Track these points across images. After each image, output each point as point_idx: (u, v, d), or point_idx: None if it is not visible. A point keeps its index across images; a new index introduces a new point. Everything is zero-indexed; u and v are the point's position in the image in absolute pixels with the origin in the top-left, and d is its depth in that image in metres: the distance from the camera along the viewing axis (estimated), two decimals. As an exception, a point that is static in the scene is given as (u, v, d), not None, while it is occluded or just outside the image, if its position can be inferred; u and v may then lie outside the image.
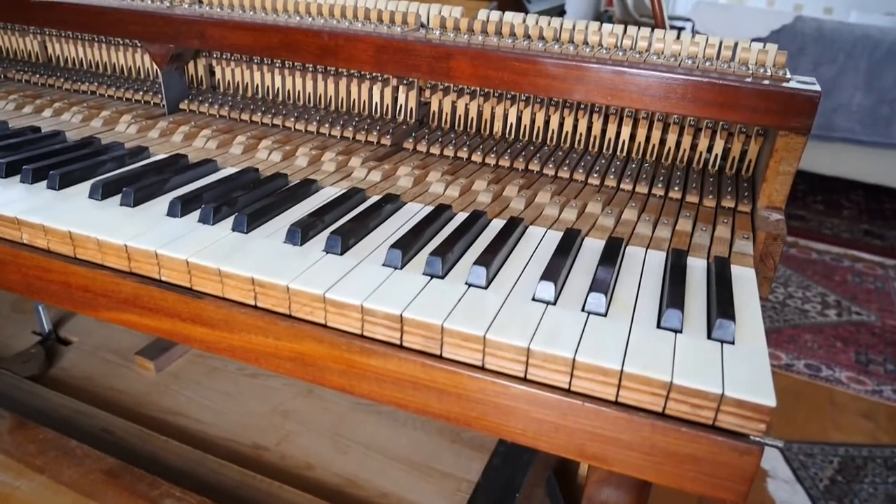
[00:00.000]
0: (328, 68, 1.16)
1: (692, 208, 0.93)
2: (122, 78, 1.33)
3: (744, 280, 0.74)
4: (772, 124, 0.85)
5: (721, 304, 0.66)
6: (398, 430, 1.24)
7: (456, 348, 0.63)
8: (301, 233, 0.76)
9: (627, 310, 0.67)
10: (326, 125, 1.13)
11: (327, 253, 0.74)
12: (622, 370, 0.58)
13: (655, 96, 0.87)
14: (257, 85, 1.24)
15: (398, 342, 0.65)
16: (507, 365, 0.62)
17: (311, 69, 1.18)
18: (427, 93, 1.13)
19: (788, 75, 0.88)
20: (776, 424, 1.64)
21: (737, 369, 0.58)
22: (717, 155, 1.02)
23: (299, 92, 1.22)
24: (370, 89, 1.17)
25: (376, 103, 1.17)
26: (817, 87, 0.84)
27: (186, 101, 1.22)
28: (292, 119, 1.15)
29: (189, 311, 0.73)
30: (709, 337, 0.63)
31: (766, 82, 0.85)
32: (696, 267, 0.77)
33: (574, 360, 0.59)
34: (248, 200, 0.86)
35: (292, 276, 0.69)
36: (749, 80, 0.86)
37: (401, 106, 1.16)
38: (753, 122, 0.87)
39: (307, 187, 0.91)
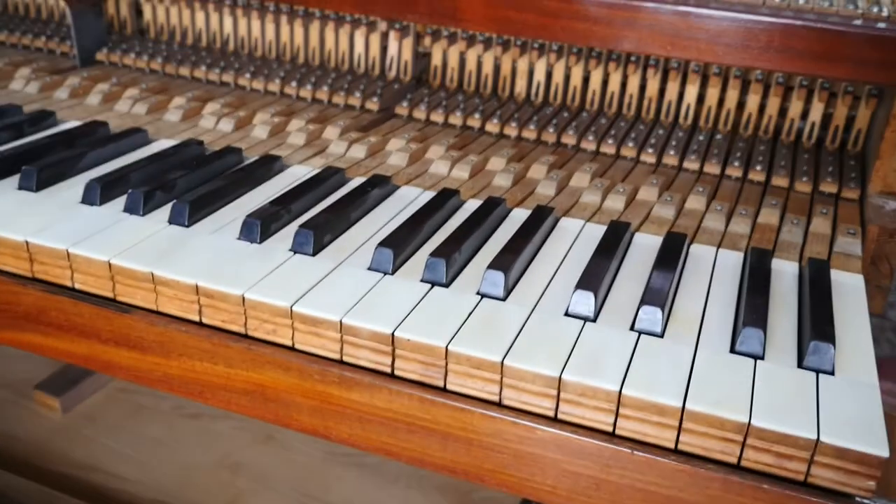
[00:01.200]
0: (295, 8, 1.18)
1: (780, 194, 0.94)
2: (16, 18, 1.35)
3: (849, 290, 0.75)
4: (888, 81, 0.87)
5: (817, 322, 0.67)
6: (387, 488, 1.26)
7: (465, 378, 0.64)
8: (260, 226, 0.77)
9: (691, 329, 0.68)
10: (293, 84, 1.15)
11: (295, 253, 0.76)
12: (684, 408, 0.59)
13: (731, 45, 0.88)
14: (200, 29, 1.26)
15: (389, 370, 0.67)
16: (533, 400, 0.63)
17: (272, 8, 1.20)
18: (427, 41, 1.15)
19: (910, 16, 0.90)
20: (897, 486, 1.65)
21: (837, 408, 0.60)
22: (814, 123, 1.04)
23: (257, 39, 1.23)
24: (351, 36, 1.19)
25: (360, 55, 1.19)
26: (948, 32, 0.85)
27: (105, 51, 1.24)
28: (248, 75, 1.17)
29: (111, 329, 0.74)
30: (800, 365, 0.64)
31: (882, 25, 0.86)
32: (785, 272, 0.78)
33: (620, 394, 0.60)
34: (189, 183, 0.87)
35: (249, 283, 0.70)
36: (858, 21, 0.87)
37: (392, 59, 1.18)
38: (863, 79, 0.89)
39: (268, 166, 0.92)
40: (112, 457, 1.31)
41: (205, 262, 0.73)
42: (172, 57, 1.22)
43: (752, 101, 1.05)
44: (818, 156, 1.02)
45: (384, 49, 1.19)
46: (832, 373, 0.63)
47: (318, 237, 0.76)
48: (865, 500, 0.58)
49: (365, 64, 1.20)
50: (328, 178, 0.90)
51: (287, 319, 0.68)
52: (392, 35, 1.17)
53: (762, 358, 0.65)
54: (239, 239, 0.77)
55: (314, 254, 0.75)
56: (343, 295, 0.69)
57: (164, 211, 0.82)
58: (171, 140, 1.00)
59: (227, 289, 0.69)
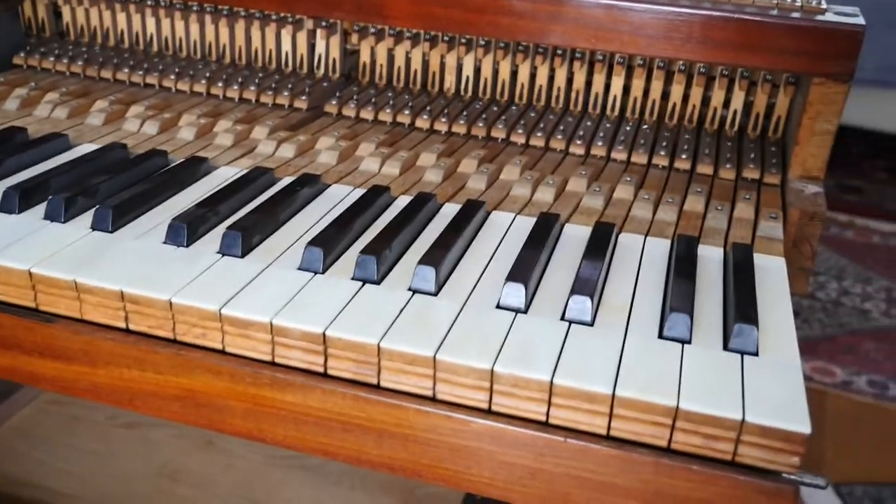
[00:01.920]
0: (220, 7, 1.17)
1: (704, 181, 0.96)
2: (-69, 23, 1.31)
3: (771, 272, 0.77)
4: (804, 70, 0.89)
5: (741, 305, 0.69)
6: (330, 489, 1.25)
7: (398, 375, 0.65)
8: (187, 229, 0.77)
9: (620, 316, 0.69)
10: (220, 84, 1.13)
11: (223, 255, 0.75)
12: (614, 394, 0.60)
13: (654, 36, 0.90)
14: (122, 30, 1.24)
15: (321, 370, 0.67)
16: (466, 394, 0.64)
17: (195, 8, 1.18)
18: (355, 38, 1.15)
19: (824, 5, 0.93)
20: (830, 460, 1.70)
21: (761, 388, 0.61)
22: (735, 111, 1.06)
23: (181, 39, 1.21)
24: (278, 34, 1.18)
25: (287, 53, 1.18)
26: (860, 20, 0.88)
27: (23, 55, 1.20)
28: (172, 76, 1.15)
29: (35, 339, 0.73)
30: (725, 347, 0.66)
31: (796, 14, 0.89)
32: (710, 258, 0.80)
33: (552, 383, 0.61)
34: (113, 188, 0.86)
35: (176, 287, 0.69)
36: (774, 11, 0.89)
37: (320, 56, 1.17)
38: (781, 68, 0.91)
39: (195, 168, 0.91)
40: (47, 471, 1.28)
41: (130, 268, 0.72)
42: (94, 59, 1.19)
43: (676, 92, 1.07)
44: (741, 143, 1.04)
45: (312, 47, 1.18)
46: (756, 354, 0.65)
47: (246, 238, 0.76)
48: (791, 476, 0.60)
49: (292, 62, 1.19)
50: (257, 178, 0.89)
51: (216, 323, 0.67)
52: (319, 33, 1.16)
53: (689, 342, 0.66)
54: (165, 243, 0.77)
55: (243, 255, 0.75)
56: (273, 296, 0.69)
57: (87, 217, 0.80)
58: (93, 144, 0.98)
59: (154, 294, 0.68)
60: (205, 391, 0.69)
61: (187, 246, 0.76)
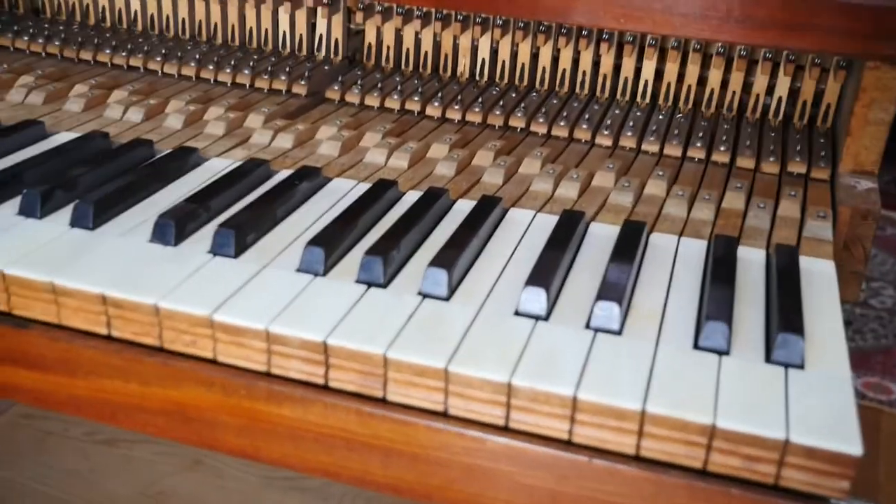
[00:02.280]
0: (210, -19, 1.18)
1: (745, 176, 0.96)
2: None
3: (819, 277, 0.78)
4: (857, 52, 0.89)
5: (785, 313, 0.69)
6: (331, 515, 1.26)
7: (407, 388, 0.65)
8: (175, 227, 0.77)
9: (651, 325, 0.69)
10: (210, 67, 1.14)
11: (215, 255, 0.75)
12: (644, 410, 0.60)
13: (688, 15, 0.90)
14: (104, 7, 1.25)
15: (322, 382, 0.67)
16: (481, 409, 0.64)
17: (184, -18, 1.19)
18: (359, 17, 1.15)
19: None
20: (884, 485, 1.70)
21: (807, 404, 0.61)
22: (780, 99, 1.06)
23: (168, 17, 1.22)
24: (275, 13, 1.18)
25: (284, 33, 1.19)
26: (918, -3, 0.88)
27: (-4, 34, 1.21)
28: (158, 58, 1.16)
29: (8, 346, 0.73)
30: (767, 360, 0.66)
31: (848, -9, 0.89)
32: (751, 260, 0.80)
33: (575, 398, 0.61)
34: (93, 181, 0.86)
35: (164, 290, 0.70)
36: (823, -13, 0.90)
37: (321, 37, 1.18)
38: (831, 50, 0.91)
39: (183, 160, 0.92)
40: (19, 493, 1.28)
41: (113, 269, 0.72)
42: (72, 39, 1.20)
43: (714, 77, 1.07)
44: (786, 134, 1.04)
45: (312, 26, 1.19)
46: (802, 367, 0.65)
47: (240, 237, 0.76)
48: (840, 502, 0.60)
49: (291, 43, 1.20)
50: (251, 171, 0.89)
51: (207, 329, 0.68)
52: (320, 11, 1.17)
53: (727, 353, 0.66)
54: (151, 241, 0.77)
55: (236, 255, 0.75)
56: (269, 300, 0.69)
57: (66, 213, 0.81)
58: (71, 133, 0.99)
59: (139, 297, 0.69)
60: (194, 404, 0.69)
61: (175, 245, 0.77)
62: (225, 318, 0.67)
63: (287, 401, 0.67)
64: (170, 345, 0.70)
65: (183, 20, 1.22)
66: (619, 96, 1.10)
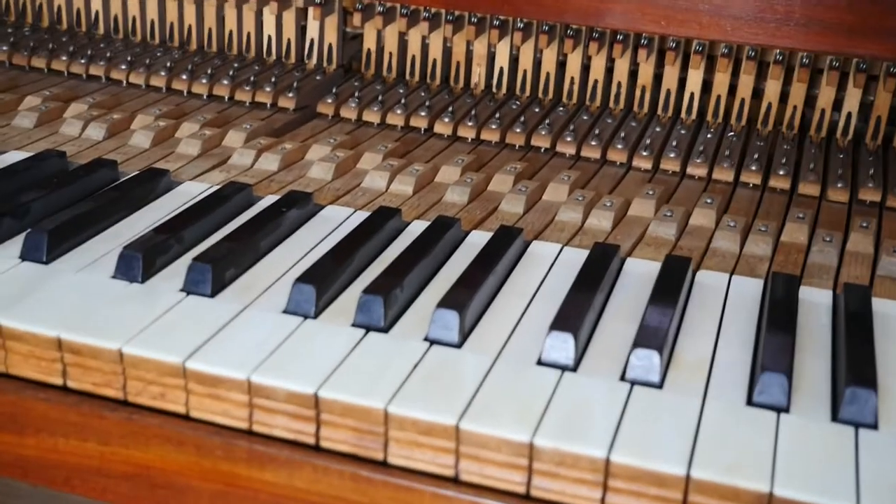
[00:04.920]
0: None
1: (808, 205, 0.96)
2: None
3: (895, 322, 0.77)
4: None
5: (854, 365, 0.69)
6: None
7: (411, 448, 0.65)
8: (142, 260, 0.77)
9: (698, 377, 0.69)
10: (184, 76, 1.15)
11: (189, 293, 0.76)
12: (689, 476, 0.60)
13: (741, 18, 0.91)
14: (59, 7, 1.26)
15: (313, 441, 0.67)
16: (498, 474, 0.63)
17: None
18: (357, 19, 1.16)
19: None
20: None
21: (881, 470, 0.61)
22: (850, 114, 1.06)
23: (135, 19, 1.24)
24: (259, 14, 1.19)
25: (270, 37, 1.19)
26: None
27: (-63, 39, 1.22)
28: (123, 67, 1.18)
29: (-53, 400, 0.73)
30: (834, 418, 0.66)
31: (926, -10, 0.90)
32: (815, 303, 0.80)
33: (608, 461, 0.61)
34: (48, 207, 0.87)
35: (128, 333, 0.70)
36: (897, -14, 0.90)
37: (312, 42, 1.19)
38: (908, 58, 0.91)
39: (152, 184, 0.92)
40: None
41: (70, 309, 0.73)
42: (22, 44, 1.21)
43: (772, 89, 1.08)
44: (856, 155, 1.05)
45: (302, 30, 1.20)
46: (875, 426, 0.65)
47: (217, 273, 0.76)
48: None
49: (277, 50, 1.21)
50: (231, 196, 0.90)
51: (179, 379, 0.68)
52: (311, 12, 1.18)
53: (787, 410, 0.66)
54: (115, 277, 0.77)
55: (213, 294, 0.76)
56: (251, 346, 0.69)
57: (16, 244, 0.81)
58: (22, 152, 0.99)
59: (100, 342, 0.69)
60: (163, 467, 0.69)
61: (142, 282, 0.77)
62: (200, 366, 0.67)
63: (271, 463, 0.67)
64: (135, 397, 0.70)
65: (152, 22, 1.24)
66: (659, 111, 1.11)
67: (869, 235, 0.89)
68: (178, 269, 0.78)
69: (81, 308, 0.73)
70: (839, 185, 0.98)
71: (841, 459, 0.62)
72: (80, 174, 0.92)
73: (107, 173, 0.94)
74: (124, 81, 1.17)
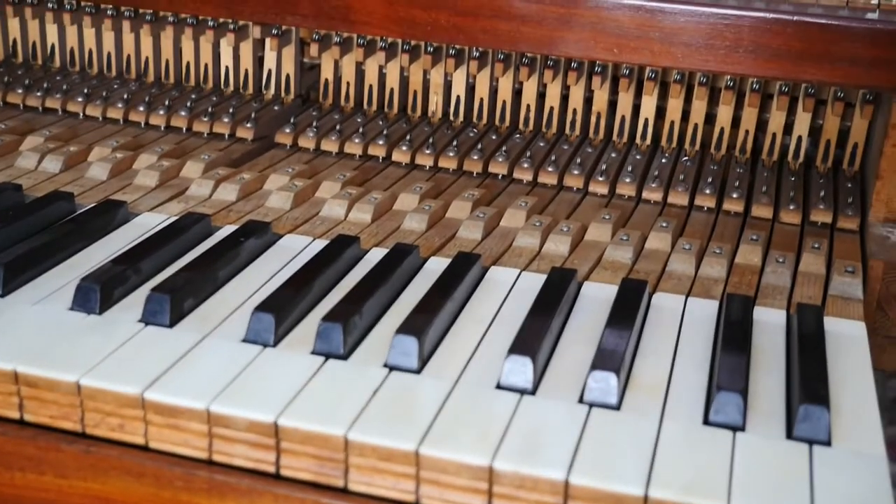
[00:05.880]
0: (141, 11, 1.18)
1: (761, 227, 0.99)
2: None
3: (848, 341, 0.80)
4: (885, 84, 0.91)
5: (808, 383, 0.70)
6: None
7: (371, 475, 0.65)
8: (100, 292, 0.78)
9: (655, 398, 0.71)
10: (141, 108, 1.16)
11: (147, 324, 0.76)
12: (647, 496, 0.61)
13: (691, 45, 0.93)
14: (15, 39, 1.26)
15: (273, 470, 0.67)
16: (459, 498, 0.64)
17: (110, 12, 1.20)
18: (314, 49, 1.17)
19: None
20: None
21: (835, 486, 0.62)
22: (800, 138, 1.09)
23: (91, 51, 1.23)
24: (216, 45, 1.20)
25: (227, 69, 1.20)
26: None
27: None
28: (80, 98, 1.18)
29: None
30: (789, 436, 0.67)
31: (873, 15, 0.92)
32: (769, 323, 0.82)
33: (567, 483, 0.62)
34: (3, 240, 0.87)
35: (86, 365, 0.70)
36: (844, 12, 0.92)
37: (270, 73, 1.19)
38: (855, 83, 0.93)
39: (109, 215, 0.93)
40: None
41: (26, 342, 0.73)
42: (-22, 78, 1.21)
43: (724, 114, 1.10)
44: (807, 178, 1.08)
45: (259, 61, 1.21)
46: (828, 443, 0.67)
47: (175, 303, 0.77)
48: None
49: (235, 81, 1.21)
50: (189, 227, 0.91)
51: (138, 410, 0.69)
52: (268, 43, 1.19)
53: (742, 429, 0.68)
54: (72, 309, 0.78)
55: (171, 325, 0.77)
56: (211, 376, 0.70)
57: (-29, 278, 0.81)
58: (-24, 185, 0.99)
59: (57, 374, 0.69)
60: (122, 499, 0.69)
61: (100, 313, 0.78)
62: (159, 396, 0.68)
63: (231, 493, 0.67)
64: (93, 429, 0.70)
65: (108, 55, 1.24)
66: (615, 137, 1.14)
67: (821, 256, 0.91)
68: (136, 300, 0.79)
69: (38, 341, 0.73)
70: (791, 207, 1.01)
71: (796, 476, 0.63)
72: (36, 207, 0.93)
73: (63, 206, 0.95)
74: (81, 114, 1.18)
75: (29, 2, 1.23)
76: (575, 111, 1.14)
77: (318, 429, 0.66)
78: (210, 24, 1.19)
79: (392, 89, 1.18)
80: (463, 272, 0.85)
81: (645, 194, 1.04)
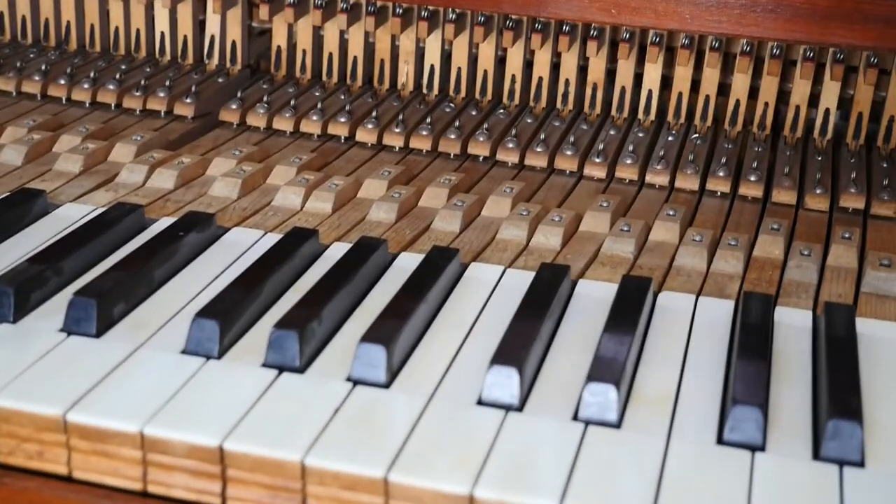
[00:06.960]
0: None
1: (783, 214, 0.98)
2: None
3: (884, 345, 0.79)
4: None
5: (838, 395, 0.69)
6: None
7: (332, 507, 0.65)
8: (14, 296, 0.77)
9: (661, 413, 0.70)
10: (62, 81, 1.15)
11: (70, 334, 0.75)
12: (652, 528, 0.61)
13: (701, 4, 0.92)
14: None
15: (219, 502, 0.66)
16: (434, 534, 0.64)
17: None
18: (264, 11, 1.16)
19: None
20: None
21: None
22: (827, 111, 1.08)
23: (2, 13, 1.22)
24: (149, 7, 1.18)
25: (163, 34, 1.19)
26: None
27: None
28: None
29: None
30: (816, 456, 0.67)
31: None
32: (793, 325, 0.81)
33: (560, 514, 0.62)
34: None
35: (-2, 383, 0.70)
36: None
37: (213, 39, 1.18)
38: (891, 47, 0.93)
39: (25, 207, 0.92)
40: None
41: (-73, 356, 0.72)
42: None
43: (740, 84, 1.09)
44: (836, 158, 1.07)
45: (200, 25, 1.20)
46: (861, 464, 0.66)
47: (103, 309, 0.76)
48: None
49: (172, 49, 1.20)
50: (118, 220, 0.90)
51: (59, 435, 0.67)
52: (211, 4, 1.18)
53: (762, 449, 0.67)
54: (-19, 318, 0.78)
55: (99, 334, 0.75)
56: (145, 393, 0.69)
57: None
58: None
59: (-37, 394, 0.69)
60: (42, 539, 0.69)
61: (14, 321, 0.76)
62: (84, 418, 0.67)
63: None
64: (7, 458, 0.69)
65: (23, 18, 1.23)
66: (613, 112, 1.13)
67: (852, 248, 0.91)
68: (57, 306, 0.78)
69: (-60, 354, 0.73)
70: (818, 192, 1.00)
71: (824, 502, 0.62)
72: (-63, 198, 0.93)
73: (-30, 196, 0.94)
74: (-9, 90, 1.17)
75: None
76: (567, 82, 1.14)
77: (270, 453, 0.65)
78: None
79: (355, 58, 1.17)
80: (438, 270, 0.84)
81: (648, 178, 1.04)
